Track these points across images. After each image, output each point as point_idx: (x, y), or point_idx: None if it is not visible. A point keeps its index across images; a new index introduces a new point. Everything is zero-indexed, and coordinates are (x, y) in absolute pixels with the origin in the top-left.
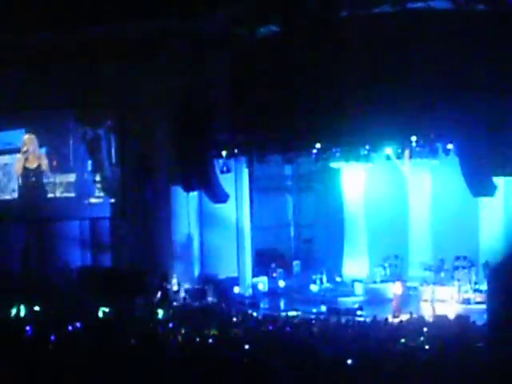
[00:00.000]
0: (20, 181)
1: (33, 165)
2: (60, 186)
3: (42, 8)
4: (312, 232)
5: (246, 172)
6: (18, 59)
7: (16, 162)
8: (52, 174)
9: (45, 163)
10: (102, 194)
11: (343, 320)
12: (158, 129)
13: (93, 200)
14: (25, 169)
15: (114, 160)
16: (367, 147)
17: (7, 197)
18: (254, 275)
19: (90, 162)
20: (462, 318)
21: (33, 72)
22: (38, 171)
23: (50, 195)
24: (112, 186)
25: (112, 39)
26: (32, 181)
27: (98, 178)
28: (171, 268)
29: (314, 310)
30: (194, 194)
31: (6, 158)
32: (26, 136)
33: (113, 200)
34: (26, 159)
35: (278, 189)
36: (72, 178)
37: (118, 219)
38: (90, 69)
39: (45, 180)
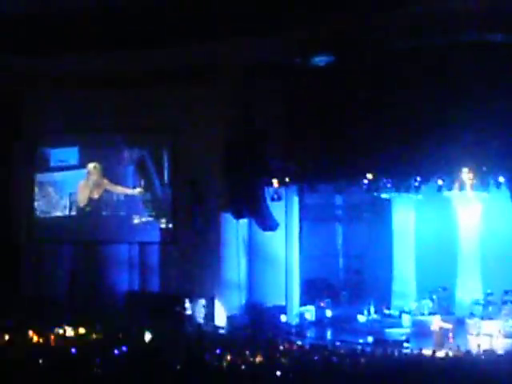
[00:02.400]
0: (80, 206)
1: (97, 195)
2: (111, 203)
3: (102, 32)
4: (361, 263)
5: (296, 200)
6: (75, 81)
7: (79, 190)
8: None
9: (108, 185)
10: (152, 215)
11: (389, 351)
12: (209, 154)
13: (143, 219)
14: (89, 199)
15: (166, 181)
16: (418, 178)
17: (58, 213)
18: (302, 304)
19: (142, 182)
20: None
21: (88, 95)
22: (100, 199)
23: (104, 213)
24: (162, 206)
25: (166, 64)
26: (92, 209)
27: (148, 198)
28: (218, 294)
29: (361, 341)
30: (244, 221)
31: (58, 175)
32: (92, 166)
33: (163, 225)
34: (92, 189)
35: (327, 218)
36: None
37: (168, 244)
38: (145, 91)
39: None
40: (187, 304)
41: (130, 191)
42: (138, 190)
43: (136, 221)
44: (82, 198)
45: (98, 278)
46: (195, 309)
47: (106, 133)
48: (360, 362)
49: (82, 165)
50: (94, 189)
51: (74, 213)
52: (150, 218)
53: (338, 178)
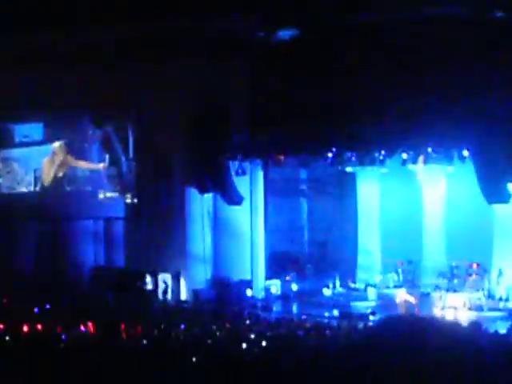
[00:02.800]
0: (45, 183)
1: (61, 173)
2: (76, 179)
3: (64, 6)
4: (326, 236)
5: (261, 175)
6: (39, 58)
7: (45, 168)
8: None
9: (72, 162)
10: (117, 190)
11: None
12: (174, 129)
13: (108, 194)
14: (54, 177)
15: (130, 155)
16: (382, 152)
17: (23, 189)
18: (268, 278)
19: (107, 157)
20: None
21: (52, 71)
22: (64, 177)
23: (68, 188)
24: (128, 181)
25: (131, 39)
26: (57, 185)
27: (113, 173)
28: (183, 269)
29: (327, 314)
30: (209, 195)
31: (23, 151)
32: (57, 145)
33: (128, 200)
34: (57, 168)
35: (292, 192)
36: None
37: (133, 219)
38: (108, 69)
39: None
40: (148, 279)
41: (93, 166)
42: (101, 165)
43: (101, 196)
44: (46, 176)
45: (64, 254)
46: (158, 284)
47: (70, 109)
48: (326, 335)
49: (46, 141)
50: (59, 167)
51: (38, 189)
52: (115, 194)
53: (302, 151)
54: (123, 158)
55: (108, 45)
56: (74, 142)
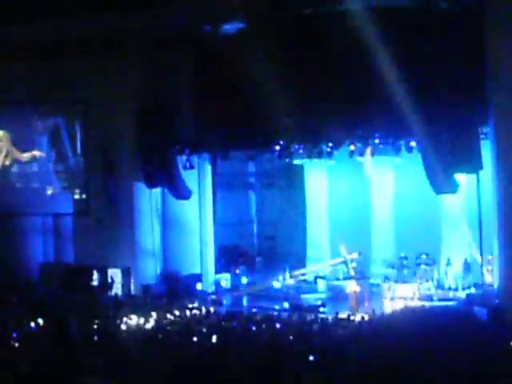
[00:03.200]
0: None
1: (8, 162)
2: (25, 175)
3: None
4: (275, 229)
5: (209, 169)
6: None
7: None
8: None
9: (16, 154)
10: (65, 186)
11: (306, 317)
12: (121, 124)
13: (56, 191)
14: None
15: (78, 151)
16: (330, 144)
17: None
18: (217, 272)
19: (53, 152)
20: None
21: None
22: (9, 167)
23: (17, 185)
24: (75, 176)
25: (76, 35)
26: (5, 180)
27: (61, 168)
28: (132, 264)
29: (277, 307)
30: (157, 190)
31: None
32: (1, 133)
33: (76, 196)
34: (3, 159)
35: (241, 186)
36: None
37: (81, 215)
38: (56, 63)
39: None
40: (94, 275)
41: (31, 154)
42: (37, 153)
43: (49, 192)
44: None
45: (12, 250)
46: (105, 279)
47: (16, 102)
48: (276, 327)
49: None
50: (5, 158)
51: None
52: (63, 189)
53: (249, 144)
54: (71, 153)
55: (56, 39)
56: (20, 135)
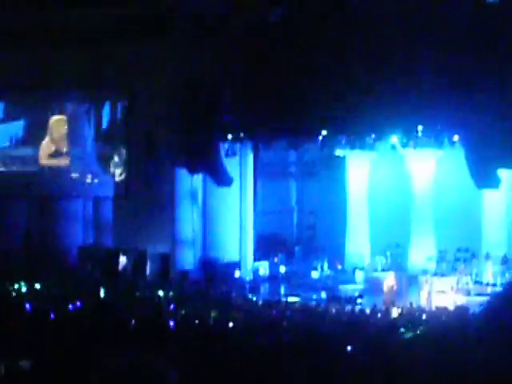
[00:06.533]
0: (41, 162)
1: (59, 149)
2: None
3: None
4: (315, 219)
5: (251, 156)
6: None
7: (42, 147)
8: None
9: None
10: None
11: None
12: (164, 110)
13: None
14: (49, 155)
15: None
16: (373, 136)
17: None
18: (256, 260)
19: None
20: (461, 309)
21: (42, 52)
22: (58, 154)
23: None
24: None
25: (120, 20)
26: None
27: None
28: (171, 250)
29: (315, 297)
30: (199, 177)
31: None
32: (54, 119)
33: (117, 179)
34: (52, 145)
35: (282, 174)
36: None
37: (121, 199)
38: (98, 50)
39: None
40: (122, 259)
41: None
42: None
43: (89, 176)
44: (43, 155)
45: (52, 233)
46: (139, 264)
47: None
48: (314, 317)
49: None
50: (57, 144)
51: (34, 167)
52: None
53: (292, 133)
54: (90, 139)
55: (98, 25)
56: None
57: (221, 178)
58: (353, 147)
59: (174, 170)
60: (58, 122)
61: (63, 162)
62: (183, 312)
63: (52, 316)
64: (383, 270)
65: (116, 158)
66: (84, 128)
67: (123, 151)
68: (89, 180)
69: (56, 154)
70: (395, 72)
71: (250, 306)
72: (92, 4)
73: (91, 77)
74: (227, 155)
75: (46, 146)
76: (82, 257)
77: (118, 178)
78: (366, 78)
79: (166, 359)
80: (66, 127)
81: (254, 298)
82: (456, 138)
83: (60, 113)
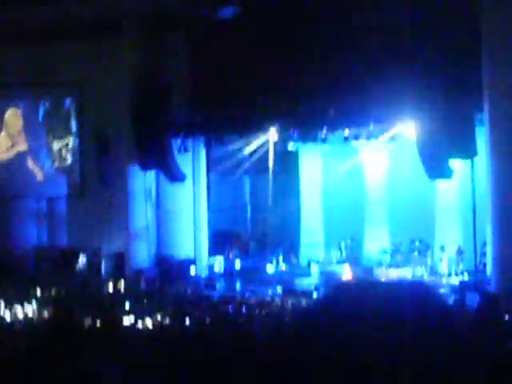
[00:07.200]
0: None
1: (15, 144)
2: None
3: None
4: (269, 213)
5: (203, 152)
6: None
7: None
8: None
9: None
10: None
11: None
12: (115, 106)
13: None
14: (6, 150)
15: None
16: (325, 128)
17: None
18: (211, 256)
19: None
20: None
21: None
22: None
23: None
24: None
25: (71, 17)
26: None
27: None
28: (125, 248)
29: (270, 292)
30: (151, 173)
31: None
32: (10, 113)
33: (68, 181)
34: (8, 140)
35: (235, 170)
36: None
37: (76, 197)
38: (49, 46)
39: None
40: (81, 259)
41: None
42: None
43: (42, 174)
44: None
45: (6, 233)
46: (94, 262)
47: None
48: (270, 311)
49: None
50: (17, 141)
51: None
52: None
53: (244, 128)
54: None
55: (49, 21)
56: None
57: (174, 174)
58: (305, 140)
59: (127, 166)
60: (13, 117)
61: (17, 155)
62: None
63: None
64: (338, 263)
65: (69, 156)
66: (36, 123)
67: (76, 149)
68: (41, 177)
69: (12, 148)
70: (346, 65)
71: (206, 303)
72: (44, 2)
73: (43, 73)
74: (180, 151)
75: (3, 140)
76: (38, 257)
77: (70, 176)
78: (317, 70)
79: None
80: (21, 122)
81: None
82: (407, 129)
83: (14, 107)
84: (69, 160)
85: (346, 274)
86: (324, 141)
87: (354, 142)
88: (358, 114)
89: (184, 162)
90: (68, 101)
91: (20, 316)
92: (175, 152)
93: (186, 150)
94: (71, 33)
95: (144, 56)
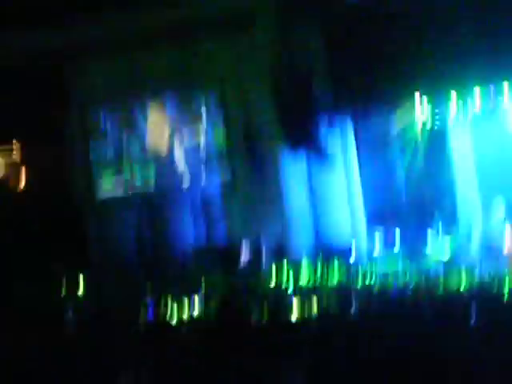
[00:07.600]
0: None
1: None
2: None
3: None
4: (423, 189)
5: (351, 132)
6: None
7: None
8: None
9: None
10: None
11: None
12: (257, 97)
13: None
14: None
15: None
16: None
17: None
18: (369, 238)
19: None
20: None
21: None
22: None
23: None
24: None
25: (207, 17)
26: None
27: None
28: (286, 239)
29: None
30: (302, 157)
31: None
32: (157, 113)
33: (219, 175)
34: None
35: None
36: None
37: (228, 194)
38: (189, 48)
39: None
40: (242, 252)
41: None
42: None
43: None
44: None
45: (163, 236)
46: (255, 255)
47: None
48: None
49: None
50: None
51: None
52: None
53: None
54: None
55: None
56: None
57: (323, 155)
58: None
59: (276, 153)
60: (160, 117)
61: (169, 154)
62: None
63: None
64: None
65: (216, 150)
66: (182, 123)
67: (223, 142)
68: (191, 174)
69: (163, 146)
70: None
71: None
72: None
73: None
74: (326, 130)
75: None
76: (197, 253)
77: (221, 170)
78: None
79: None
80: (168, 121)
81: None
82: None
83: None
84: (217, 154)
85: None
86: None
87: None
88: None
89: (332, 142)
90: (211, 97)
91: (186, 316)
92: (323, 132)
93: (332, 128)
94: (208, 30)
95: (280, 46)
